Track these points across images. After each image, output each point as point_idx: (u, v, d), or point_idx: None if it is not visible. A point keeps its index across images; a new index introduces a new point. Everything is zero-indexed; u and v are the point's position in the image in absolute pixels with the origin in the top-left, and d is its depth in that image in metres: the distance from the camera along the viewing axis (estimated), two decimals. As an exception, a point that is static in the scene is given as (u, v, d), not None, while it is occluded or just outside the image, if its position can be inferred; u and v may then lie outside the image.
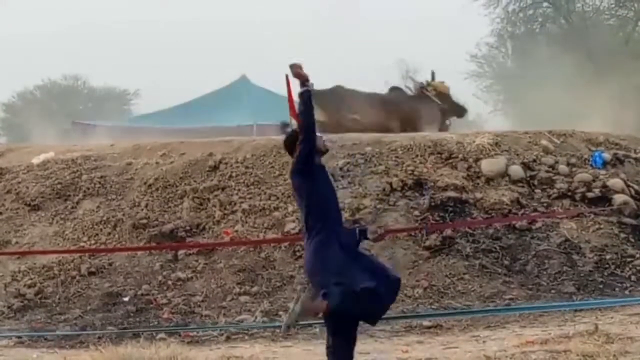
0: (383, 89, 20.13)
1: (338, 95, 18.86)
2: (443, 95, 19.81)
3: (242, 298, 11.98)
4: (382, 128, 17.54)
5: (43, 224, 13.80)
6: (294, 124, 14.59)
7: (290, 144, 7.10)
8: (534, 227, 13.22)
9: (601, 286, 12.34)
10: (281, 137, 15.21)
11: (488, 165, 14.13)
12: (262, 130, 24.46)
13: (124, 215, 13.64)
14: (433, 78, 20.52)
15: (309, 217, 6.87)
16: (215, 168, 14.13)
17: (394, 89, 19.83)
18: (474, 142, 14.56)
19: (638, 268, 12.73)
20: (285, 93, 15.46)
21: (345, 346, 6.85)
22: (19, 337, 11.16)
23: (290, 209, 13.29)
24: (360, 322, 7.06)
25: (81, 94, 53.92)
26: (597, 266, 12.69)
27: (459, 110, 20.26)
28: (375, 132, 16.16)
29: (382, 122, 18.30)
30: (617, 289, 12.34)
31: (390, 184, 13.62)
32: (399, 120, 18.66)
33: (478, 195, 13.62)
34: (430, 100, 19.43)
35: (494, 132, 15.77)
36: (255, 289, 12.14)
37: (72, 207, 14.01)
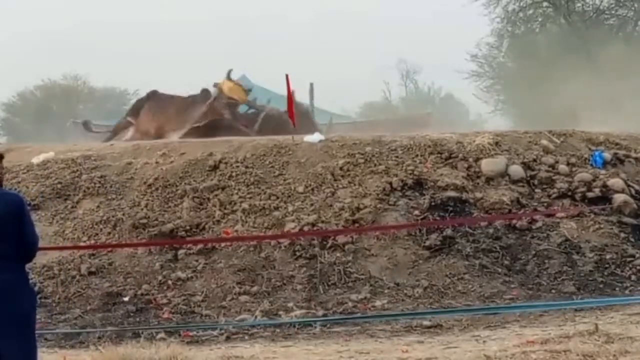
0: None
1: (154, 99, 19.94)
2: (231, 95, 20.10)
3: (242, 298, 11.97)
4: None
5: (43, 223, 13.76)
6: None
7: None
8: (534, 227, 13.21)
9: (601, 286, 12.33)
10: (279, 138, 15.17)
11: (488, 165, 14.13)
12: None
13: (124, 215, 13.63)
14: (228, 76, 20.68)
15: None
16: (215, 168, 14.12)
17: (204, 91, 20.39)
18: (474, 141, 14.56)
19: (638, 268, 12.72)
20: (285, 92, 15.57)
21: None
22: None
23: (290, 208, 13.29)
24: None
25: (81, 94, 53.87)
26: (597, 266, 12.68)
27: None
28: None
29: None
30: (617, 288, 12.33)
31: (390, 183, 13.62)
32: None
33: (478, 195, 13.62)
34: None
35: (494, 132, 15.77)
36: (255, 288, 12.12)
37: (72, 207, 13.99)
